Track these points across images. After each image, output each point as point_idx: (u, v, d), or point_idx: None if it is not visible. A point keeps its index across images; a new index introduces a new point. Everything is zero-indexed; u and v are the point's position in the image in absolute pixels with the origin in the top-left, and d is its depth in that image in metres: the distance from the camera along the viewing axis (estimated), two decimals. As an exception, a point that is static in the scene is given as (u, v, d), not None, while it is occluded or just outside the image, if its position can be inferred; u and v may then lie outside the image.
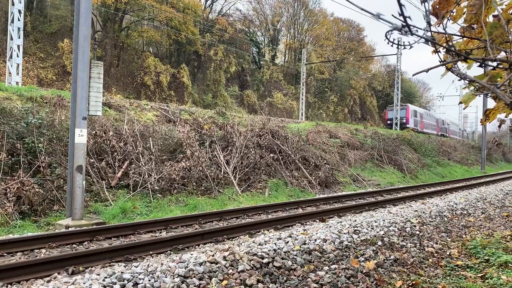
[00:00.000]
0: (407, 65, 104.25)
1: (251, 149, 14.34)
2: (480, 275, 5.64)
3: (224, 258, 4.98)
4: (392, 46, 2.35)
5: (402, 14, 1.96)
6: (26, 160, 9.26)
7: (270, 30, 49.48)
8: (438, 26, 2.45)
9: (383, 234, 7.13)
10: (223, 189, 12.18)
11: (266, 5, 49.41)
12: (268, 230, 7.70)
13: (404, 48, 2.41)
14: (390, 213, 9.33)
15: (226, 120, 16.26)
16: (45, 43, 29.06)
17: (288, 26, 50.52)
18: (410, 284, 5.22)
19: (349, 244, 6.37)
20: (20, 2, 14.04)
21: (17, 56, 13.95)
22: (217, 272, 4.69)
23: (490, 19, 2.66)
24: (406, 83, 62.98)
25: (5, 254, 5.81)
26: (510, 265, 5.83)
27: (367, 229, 7.27)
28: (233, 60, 39.39)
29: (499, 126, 3.61)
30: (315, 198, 12.73)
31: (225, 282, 4.54)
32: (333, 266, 5.51)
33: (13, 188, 8.23)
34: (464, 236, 8.23)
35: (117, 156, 11.14)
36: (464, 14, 2.62)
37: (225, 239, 7.05)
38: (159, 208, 9.85)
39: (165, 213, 9.53)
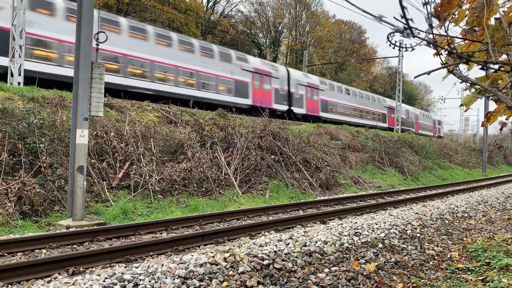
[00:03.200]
0: (408, 68, 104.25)
1: (252, 151, 14.33)
2: (481, 278, 5.62)
3: (225, 259, 4.98)
4: (394, 48, 2.35)
5: (404, 16, 1.96)
6: (27, 160, 9.27)
7: (272, 31, 49.55)
8: (440, 29, 2.45)
9: (384, 237, 7.12)
10: (224, 190, 12.17)
11: (268, 7, 49.53)
12: (268, 232, 7.69)
13: (406, 50, 2.41)
14: (391, 215, 9.32)
15: (227, 121, 16.25)
16: (47, 43, 29.07)
17: (290, 28, 50.59)
18: (411, 287, 5.21)
19: (350, 246, 6.36)
20: (22, 2, 14.08)
21: (19, 56, 13.97)
22: (218, 273, 4.69)
23: (492, 21, 2.66)
24: (408, 85, 63.01)
25: (5, 254, 5.81)
26: (511, 268, 5.82)
27: (368, 232, 7.26)
28: (234, 61, 39.38)
29: (501, 129, 3.61)
30: (316, 200, 12.72)
31: (225, 283, 4.54)
32: (333, 268, 5.50)
33: (14, 188, 8.24)
34: (465, 239, 8.22)
35: (118, 157, 11.15)
36: (466, 16, 2.62)
37: (226, 241, 7.04)
38: (159, 209, 9.85)
39: (166, 214, 9.52)
